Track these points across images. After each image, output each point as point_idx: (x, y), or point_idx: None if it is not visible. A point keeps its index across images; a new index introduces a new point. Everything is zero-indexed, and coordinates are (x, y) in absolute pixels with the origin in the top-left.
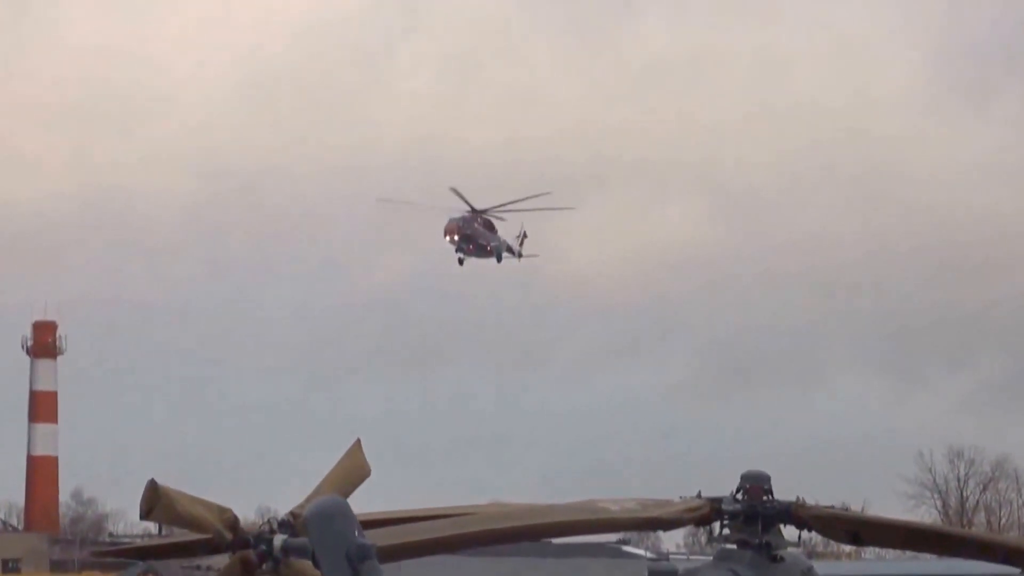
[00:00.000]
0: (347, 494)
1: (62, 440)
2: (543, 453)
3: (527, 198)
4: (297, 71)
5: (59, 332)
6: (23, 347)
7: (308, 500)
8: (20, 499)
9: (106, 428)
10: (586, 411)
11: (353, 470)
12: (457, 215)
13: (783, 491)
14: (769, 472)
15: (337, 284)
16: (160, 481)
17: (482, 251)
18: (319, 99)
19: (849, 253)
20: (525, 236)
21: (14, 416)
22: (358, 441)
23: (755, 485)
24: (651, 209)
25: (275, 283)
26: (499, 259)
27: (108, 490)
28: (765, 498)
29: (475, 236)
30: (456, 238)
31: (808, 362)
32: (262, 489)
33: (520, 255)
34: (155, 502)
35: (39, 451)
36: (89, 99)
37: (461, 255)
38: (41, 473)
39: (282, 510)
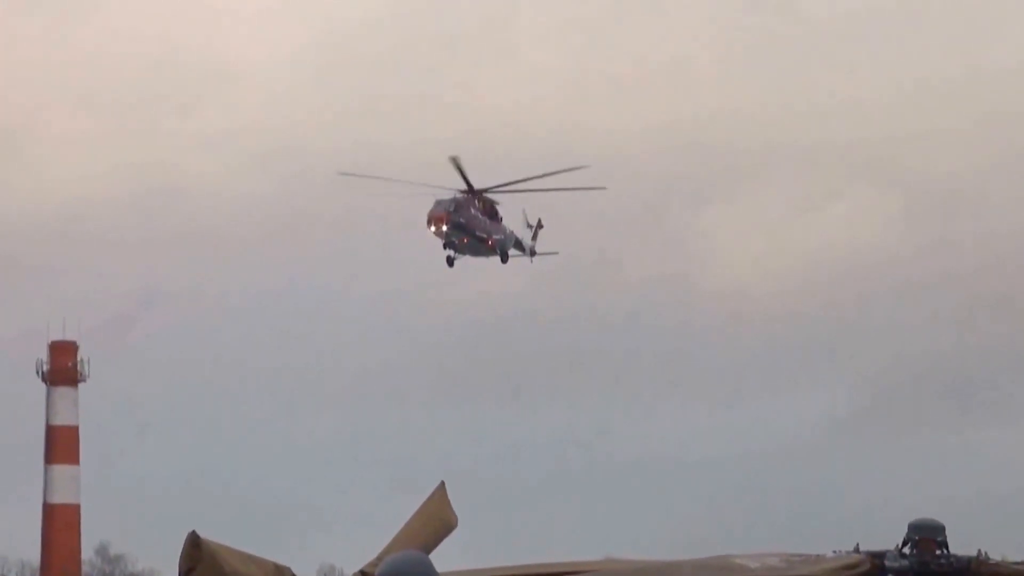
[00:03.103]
0: (429, 549)
1: (85, 485)
2: (665, 498)
3: (547, 175)
4: (390, 41)
5: (80, 354)
6: (38, 373)
7: (382, 557)
8: (35, 556)
9: (138, 470)
10: (718, 449)
11: (436, 520)
12: (446, 196)
13: (961, 543)
14: (944, 521)
15: (416, 298)
16: (203, 534)
17: (480, 246)
18: (414, 74)
19: None
20: (540, 226)
21: (28, 457)
22: (442, 485)
23: (926, 537)
24: (813, 206)
25: (348, 295)
26: (504, 258)
27: (140, 545)
28: (939, 552)
29: (471, 226)
30: (444, 228)
31: (997, 390)
32: (326, 543)
33: (533, 252)
34: (197, 560)
35: (57, 498)
36: (138, 81)
37: (451, 252)
38: (60, 524)
39: (349, 569)
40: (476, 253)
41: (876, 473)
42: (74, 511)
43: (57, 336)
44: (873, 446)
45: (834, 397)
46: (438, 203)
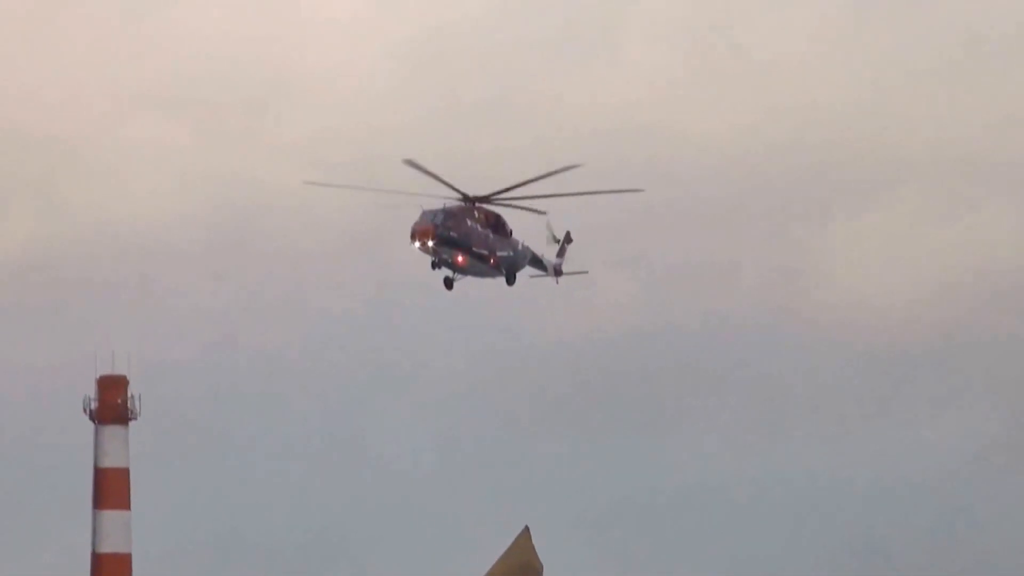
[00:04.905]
0: None
1: (136, 532)
2: (785, 531)
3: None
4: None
5: (131, 390)
6: (85, 410)
7: None
8: None
9: (194, 516)
10: (842, 481)
11: (521, 566)
12: (435, 207)
13: None
14: None
15: (503, 321)
16: None
17: (480, 265)
18: (509, 76)
19: None
20: (568, 241)
21: (74, 502)
22: (526, 530)
23: None
24: (954, 219)
25: (432, 319)
26: (510, 279)
27: None
28: None
29: (467, 240)
30: (430, 244)
31: None
32: None
33: (559, 272)
34: None
35: (107, 547)
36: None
37: (449, 273)
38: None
39: None
40: (477, 273)
41: (1013, 509)
42: (125, 561)
43: (106, 370)
44: (1013, 479)
45: (968, 426)
46: (424, 214)
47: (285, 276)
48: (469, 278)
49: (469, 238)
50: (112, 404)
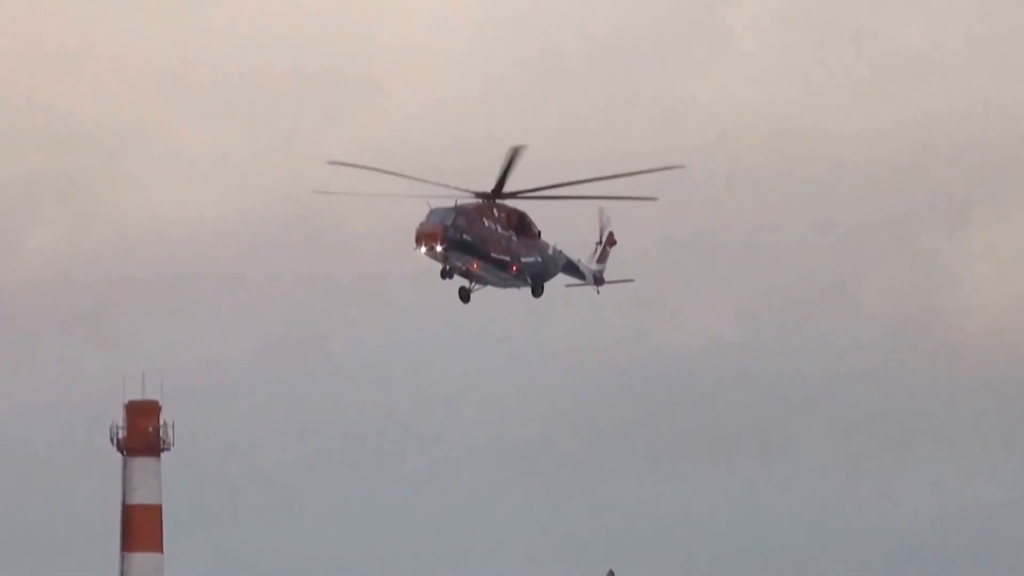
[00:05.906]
0: None
1: None
2: None
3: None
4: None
5: (164, 417)
6: (112, 440)
7: None
8: None
9: (233, 559)
10: (974, 526)
11: None
12: (445, 207)
13: None
14: None
15: (596, 347)
16: None
17: (499, 272)
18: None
19: None
20: (612, 243)
21: (100, 543)
22: (611, 575)
23: None
24: None
25: (504, 343)
26: (537, 290)
27: None
28: None
29: (483, 244)
30: (439, 248)
31: None
32: None
33: (600, 280)
34: None
35: None
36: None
37: (467, 282)
38: None
39: None
40: (499, 282)
41: None
42: None
43: (135, 394)
44: None
45: None
46: (432, 213)
47: (332, 290)
48: (489, 288)
49: (487, 242)
50: (142, 433)
